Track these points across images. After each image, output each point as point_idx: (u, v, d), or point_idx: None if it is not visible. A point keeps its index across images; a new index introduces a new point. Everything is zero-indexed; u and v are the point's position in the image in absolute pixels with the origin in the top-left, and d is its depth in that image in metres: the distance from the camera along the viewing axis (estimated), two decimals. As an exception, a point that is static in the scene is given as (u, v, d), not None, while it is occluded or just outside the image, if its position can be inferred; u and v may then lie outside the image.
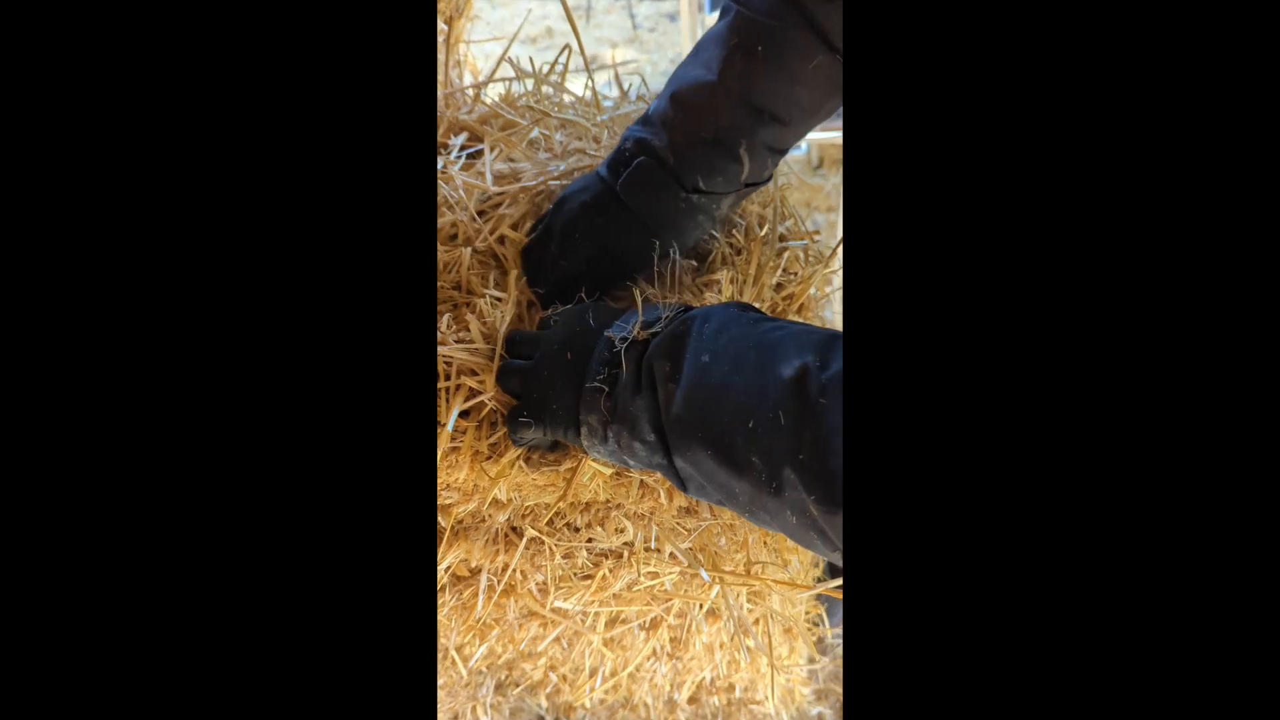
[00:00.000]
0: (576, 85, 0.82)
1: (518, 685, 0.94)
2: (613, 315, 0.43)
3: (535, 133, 0.67)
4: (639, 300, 0.42)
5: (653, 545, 0.48)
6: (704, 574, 0.44)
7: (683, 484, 0.39)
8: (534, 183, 0.54)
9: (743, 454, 0.34)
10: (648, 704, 0.96)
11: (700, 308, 0.40)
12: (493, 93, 0.80)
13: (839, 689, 1.06)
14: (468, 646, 0.71)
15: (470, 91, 0.75)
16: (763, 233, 0.49)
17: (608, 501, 0.46)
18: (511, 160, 0.61)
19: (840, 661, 1.08)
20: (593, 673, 0.76)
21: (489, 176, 0.52)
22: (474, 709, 0.93)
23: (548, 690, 0.92)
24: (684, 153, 0.46)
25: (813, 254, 0.53)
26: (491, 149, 0.57)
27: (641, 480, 0.44)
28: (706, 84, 0.45)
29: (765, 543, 0.48)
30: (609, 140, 0.63)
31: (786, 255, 0.50)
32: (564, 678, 0.87)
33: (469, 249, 0.49)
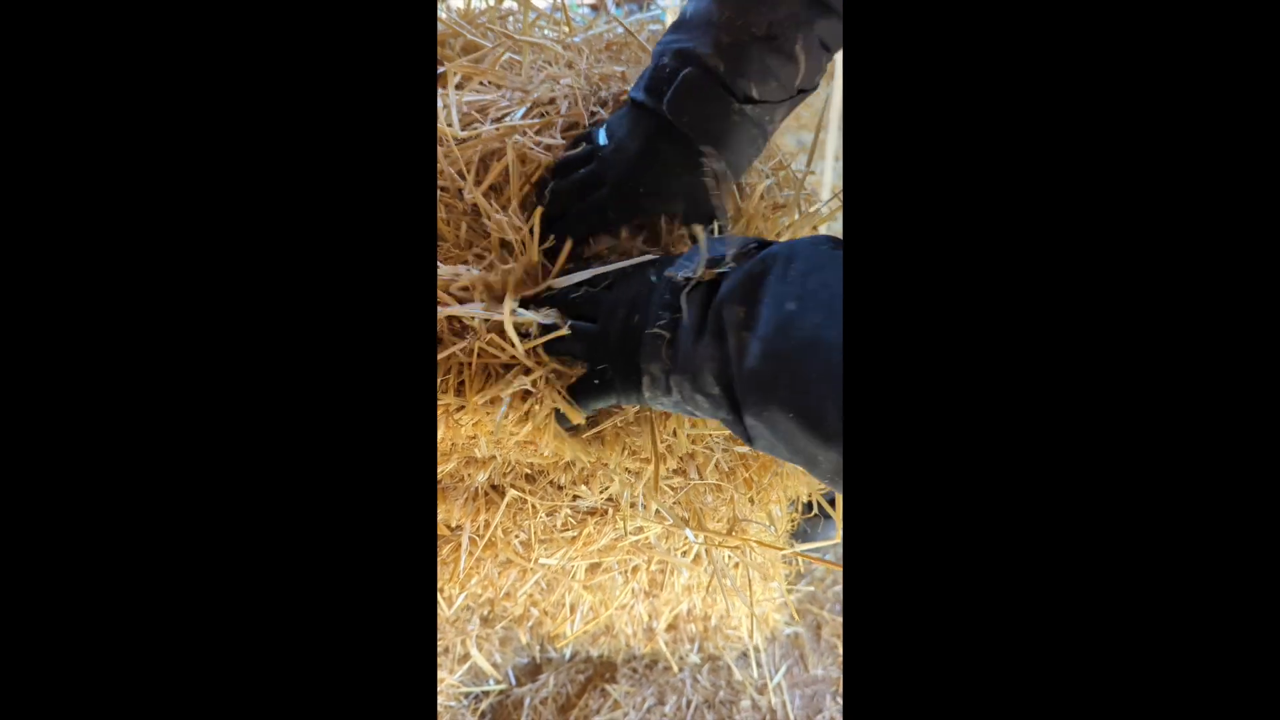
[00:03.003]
0: (544, -1, 0.76)
1: (501, 620, 0.96)
2: (672, 262, 0.38)
3: (505, 56, 0.62)
4: (702, 239, 0.36)
5: (640, 504, 0.47)
6: (690, 535, 0.43)
7: (749, 439, 0.35)
8: (505, 124, 0.49)
9: (834, 423, 0.28)
10: (627, 633, 0.99)
11: (782, 243, 0.34)
12: (452, 4, 0.73)
13: (815, 609, 1.10)
14: (447, 588, 0.71)
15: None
16: (761, 188, 0.46)
17: (594, 460, 0.45)
18: (478, 89, 0.56)
19: (818, 584, 1.13)
20: (573, 608, 0.78)
21: (455, 118, 0.47)
22: (463, 642, 0.95)
23: (529, 624, 0.94)
24: (734, 56, 0.40)
25: (805, 193, 0.50)
26: (459, 85, 0.52)
27: (626, 444, 0.43)
28: None
29: (751, 499, 0.48)
30: (585, 67, 0.58)
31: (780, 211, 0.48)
32: (545, 612, 0.89)
33: (436, 192, 0.45)
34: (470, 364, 0.38)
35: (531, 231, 0.42)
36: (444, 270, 0.40)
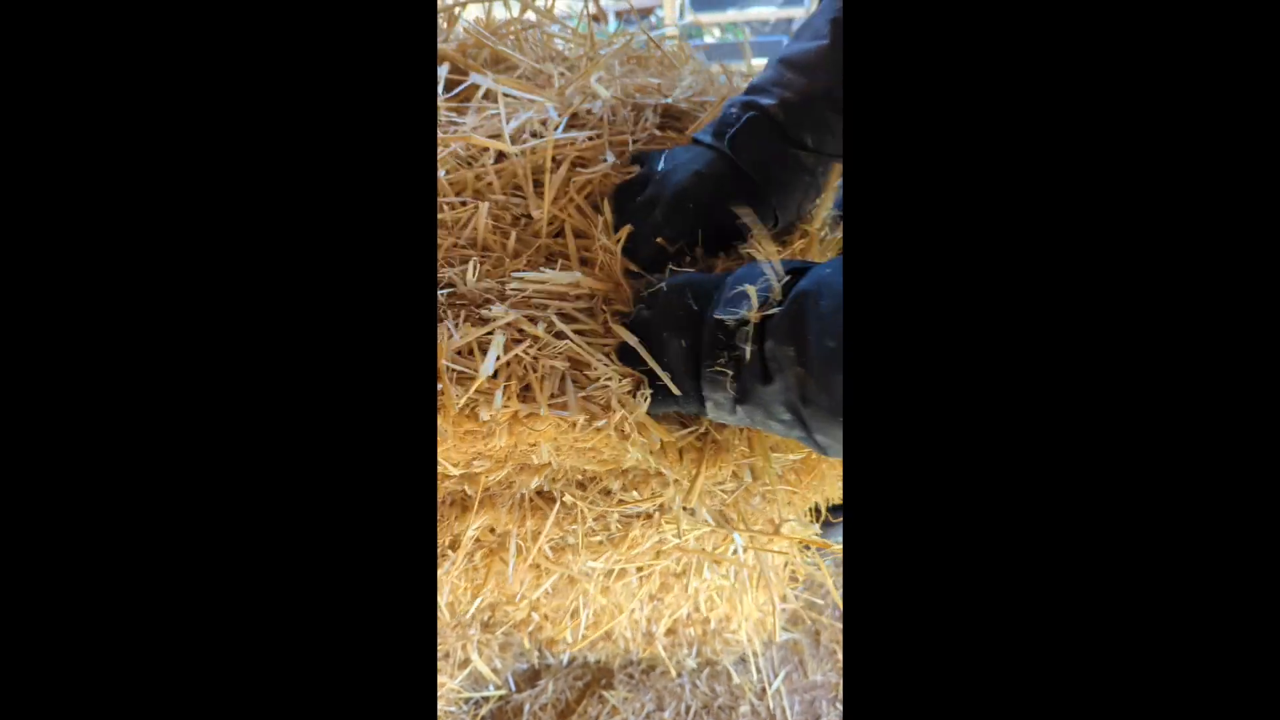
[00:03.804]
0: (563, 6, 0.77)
1: (499, 624, 0.96)
2: (709, 289, 0.42)
3: (523, 61, 0.63)
4: (753, 293, 0.39)
5: (690, 508, 0.48)
6: (738, 539, 0.44)
7: (823, 450, 0.40)
8: (544, 140, 0.51)
9: None
10: (626, 636, 0.99)
11: (808, 278, 0.38)
12: (469, 15, 0.74)
13: (814, 615, 1.12)
14: (456, 595, 0.71)
15: (444, 18, 0.68)
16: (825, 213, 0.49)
17: (650, 469, 0.46)
18: (508, 98, 0.57)
19: (815, 590, 1.14)
20: (574, 614, 0.78)
21: (506, 136, 0.48)
22: (464, 647, 0.95)
23: (530, 628, 0.94)
24: (795, 108, 0.45)
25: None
26: (486, 95, 0.53)
27: (682, 450, 0.44)
28: (818, 47, 0.45)
29: (790, 502, 0.50)
30: (621, 78, 0.59)
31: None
32: (546, 616, 0.90)
33: (486, 204, 0.46)
34: (536, 370, 0.38)
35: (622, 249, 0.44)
36: (562, 276, 0.41)
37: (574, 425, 0.38)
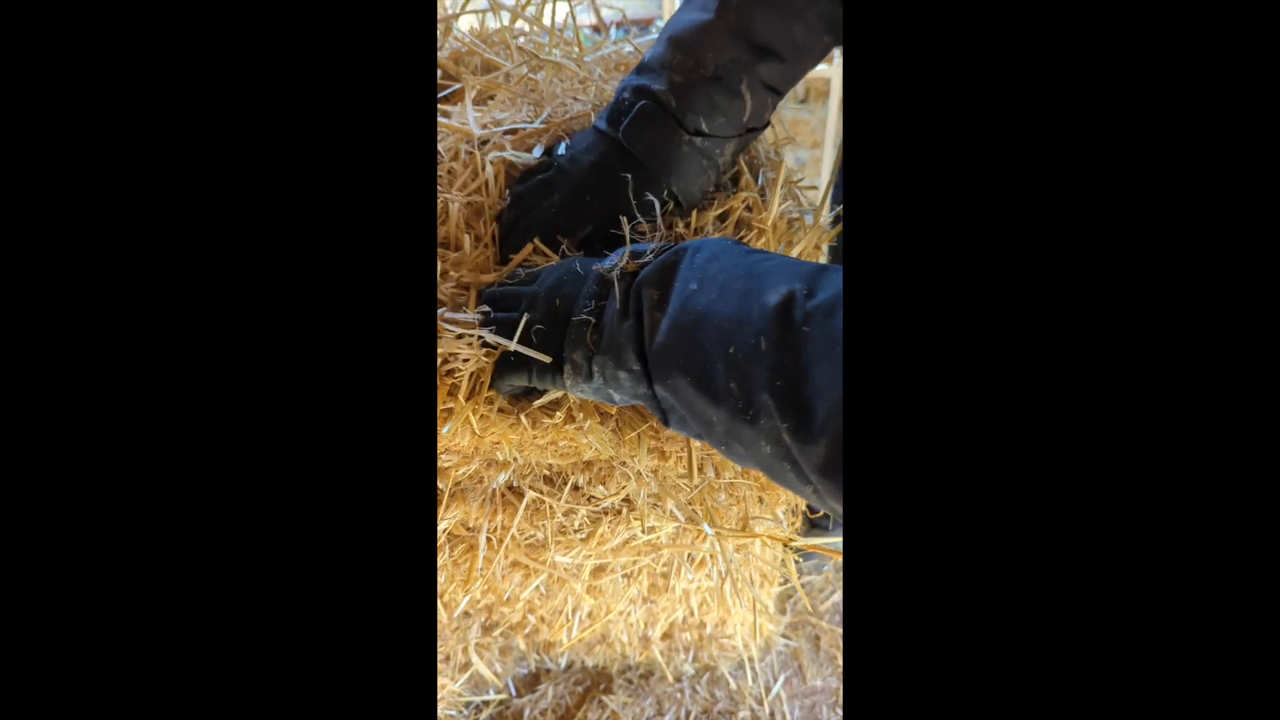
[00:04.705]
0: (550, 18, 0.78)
1: (497, 627, 0.96)
2: (599, 258, 0.42)
3: (509, 66, 0.64)
4: (626, 234, 0.42)
5: (654, 501, 0.48)
6: (708, 530, 0.45)
7: (665, 416, 0.39)
8: (520, 127, 0.52)
9: (721, 381, 0.33)
10: (623, 640, 0.99)
11: (693, 240, 0.40)
12: (463, 25, 0.76)
13: (814, 620, 1.11)
14: (448, 593, 0.72)
15: (439, 28, 0.70)
16: (776, 210, 0.49)
17: (611, 459, 0.46)
18: (490, 100, 0.58)
19: (814, 595, 1.14)
20: (573, 611, 0.79)
21: (471, 121, 0.49)
22: (464, 650, 0.96)
23: (526, 631, 0.95)
24: (684, 93, 0.45)
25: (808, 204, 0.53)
26: (478, 99, 0.54)
27: (641, 437, 0.45)
28: (704, 23, 0.45)
29: (761, 499, 0.50)
30: (597, 82, 0.60)
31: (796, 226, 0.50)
32: (542, 619, 0.90)
33: (457, 203, 0.47)
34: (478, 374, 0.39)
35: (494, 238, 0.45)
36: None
37: (527, 426, 0.38)
